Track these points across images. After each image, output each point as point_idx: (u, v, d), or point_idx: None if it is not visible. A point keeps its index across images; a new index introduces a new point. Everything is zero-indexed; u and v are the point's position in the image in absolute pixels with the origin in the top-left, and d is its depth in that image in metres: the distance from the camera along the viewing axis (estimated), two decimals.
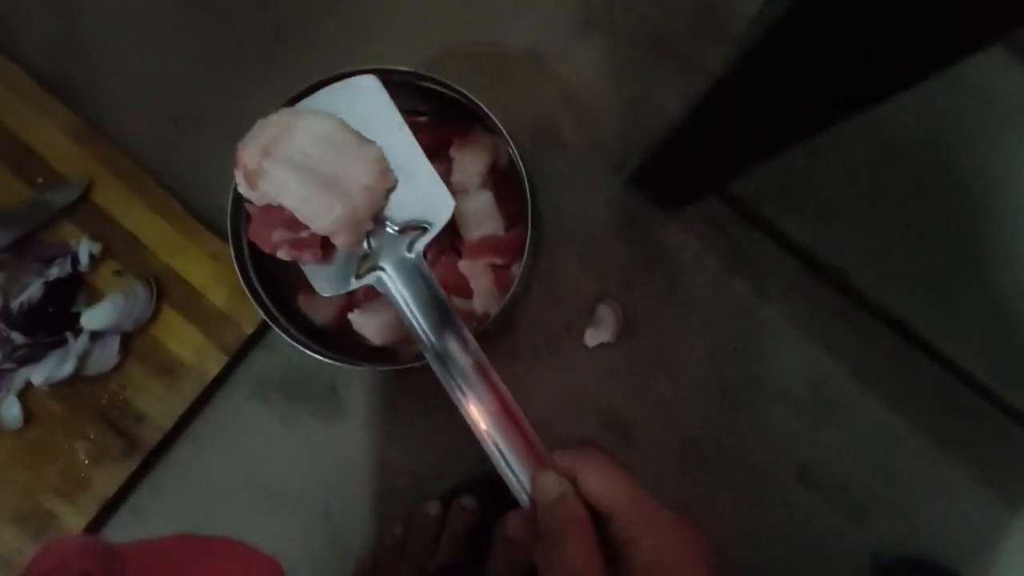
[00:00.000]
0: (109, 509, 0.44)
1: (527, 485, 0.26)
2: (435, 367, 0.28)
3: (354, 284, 0.29)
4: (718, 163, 0.38)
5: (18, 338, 0.41)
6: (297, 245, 0.29)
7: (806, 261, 0.46)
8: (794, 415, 0.46)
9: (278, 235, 0.28)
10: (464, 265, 0.40)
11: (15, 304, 0.41)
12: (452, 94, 0.38)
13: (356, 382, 0.46)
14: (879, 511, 0.45)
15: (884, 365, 0.46)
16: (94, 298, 0.43)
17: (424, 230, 0.29)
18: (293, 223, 0.27)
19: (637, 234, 0.46)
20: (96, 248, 0.43)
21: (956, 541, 0.45)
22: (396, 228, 0.29)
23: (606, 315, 0.44)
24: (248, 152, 0.26)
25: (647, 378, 0.46)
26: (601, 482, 0.23)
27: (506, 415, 0.26)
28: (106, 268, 0.44)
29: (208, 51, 0.48)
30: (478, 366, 0.27)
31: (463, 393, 0.27)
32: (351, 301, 0.41)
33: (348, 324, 0.41)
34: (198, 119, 0.48)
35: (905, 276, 0.46)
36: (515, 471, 0.26)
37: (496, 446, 0.26)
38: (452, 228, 0.42)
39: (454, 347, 0.27)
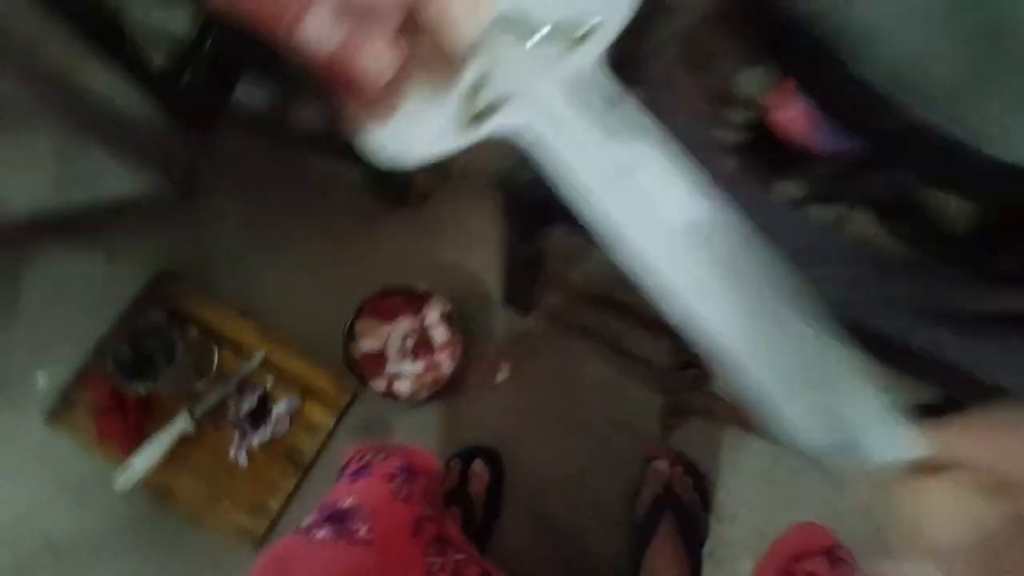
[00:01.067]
0: (288, 501, 0.93)
1: None
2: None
3: (463, 138, 0.16)
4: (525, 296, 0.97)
5: (245, 424, 0.93)
6: (356, 14, 0.13)
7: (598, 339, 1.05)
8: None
9: None
10: (438, 356, 0.96)
11: (244, 407, 0.93)
12: (422, 293, 0.97)
13: (402, 417, 0.98)
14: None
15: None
16: (277, 401, 0.95)
17: (589, 33, 0.16)
18: None
19: (513, 325, 1.04)
20: (273, 380, 0.97)
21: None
22: (535, 35, 0.16)
23: (504, 367, 1.00)
24: None
25: (531, 398, 1.00)
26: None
27: None
28: (279, 387, 0.97)
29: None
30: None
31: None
32: (393, 378, 0.96)
33: (391, 386, 0.95)
34: (316, 319, 1.05)
35: None
36: None
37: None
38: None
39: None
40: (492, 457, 0.94)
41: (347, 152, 1.03)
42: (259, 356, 0.97)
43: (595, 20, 0.15)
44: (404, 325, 0.98)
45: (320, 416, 0.96)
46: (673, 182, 0.15)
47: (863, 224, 0.41)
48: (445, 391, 0.95)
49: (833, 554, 0.52)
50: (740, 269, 0.16)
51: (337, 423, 0.97)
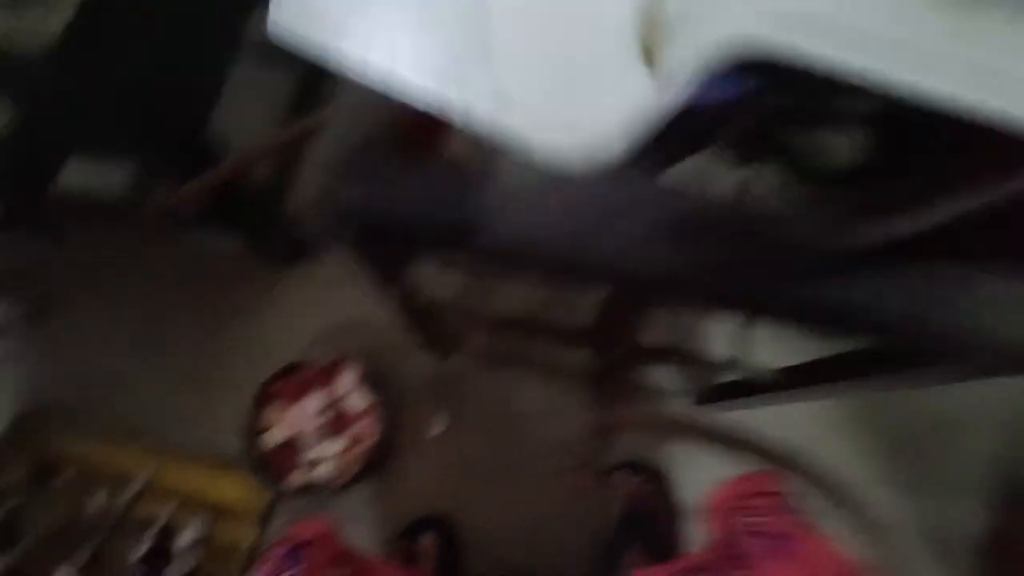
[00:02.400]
0: None
1: None
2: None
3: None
4: None
5: (139, 572, 0.77)
6: None
7: None
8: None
9: None
10: (359, 426, 0.85)
11: (139, 551, 0.78)
12: (330, 361, 0.86)
13: (333, 506, 0.85)
14: None
15: None
16: (181, 531, 0.80)
17: None
18: None
19: (438, 371, 0.94)
20: (175, 507, 0.82)
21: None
22: None
23: (437, 419, 0.90)
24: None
25: (469, 447, 0.89)
26: None
27: None
28: (184, 514, 0.82)
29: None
30: None
31: None
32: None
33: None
34: (214, 421, 0.91)
35: None
36: None
37: None
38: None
39: None
40: (442, 526, 0.82)
41: (220, 221, 0.91)
42: (137, 483, 0.82)
43: None
44: (315, 401, 0.86)
45: (238, 534, 0.82)
46: None
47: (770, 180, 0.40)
48: (375, 462, 0.84)
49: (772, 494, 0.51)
50: None
51: (261, 536, 0.82)
